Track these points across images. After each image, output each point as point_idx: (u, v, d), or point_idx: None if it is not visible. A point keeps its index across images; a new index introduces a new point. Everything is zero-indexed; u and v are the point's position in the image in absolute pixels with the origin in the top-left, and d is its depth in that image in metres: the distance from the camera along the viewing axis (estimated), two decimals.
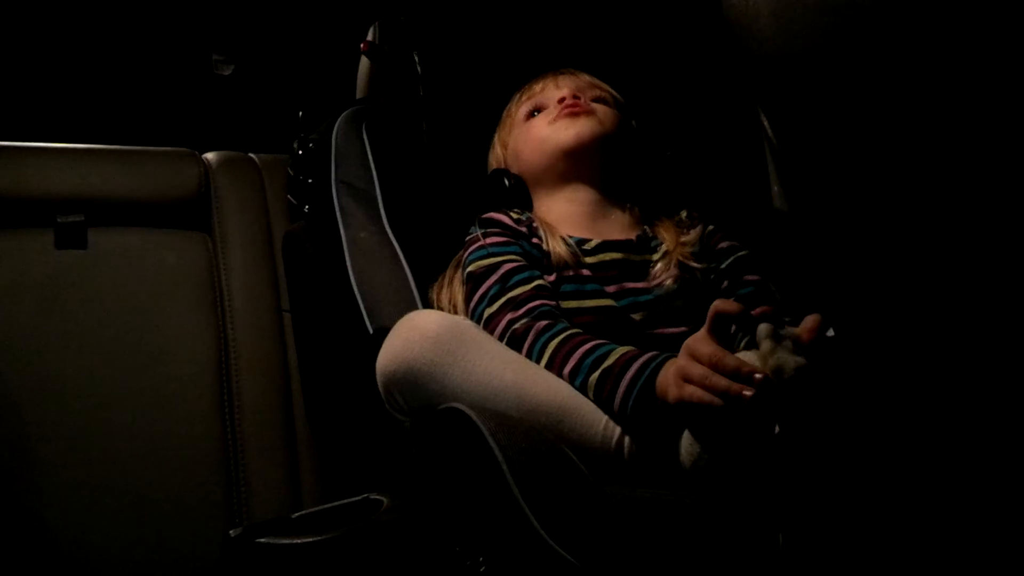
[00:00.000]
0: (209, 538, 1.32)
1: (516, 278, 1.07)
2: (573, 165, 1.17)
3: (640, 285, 1.11)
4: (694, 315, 1.09)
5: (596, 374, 0.93)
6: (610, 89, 1.25)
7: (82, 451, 1.34)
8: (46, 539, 1.28)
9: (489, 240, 1.11)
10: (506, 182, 1.21)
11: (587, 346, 0.95)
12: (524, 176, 1.21)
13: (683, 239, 1.15)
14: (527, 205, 1.20)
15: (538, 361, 0.97)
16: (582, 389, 0.94)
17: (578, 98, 1.19)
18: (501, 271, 1.07)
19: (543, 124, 1.19)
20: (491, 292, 1.06)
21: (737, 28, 0.55)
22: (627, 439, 0.91)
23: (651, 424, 0.89)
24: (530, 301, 1.04)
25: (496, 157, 1.27)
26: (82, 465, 1.33)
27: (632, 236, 1.16)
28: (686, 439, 0.87)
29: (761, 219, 1.28)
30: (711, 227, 1.18)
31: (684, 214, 1.20)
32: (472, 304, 1.08)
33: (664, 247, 1.14)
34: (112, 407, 1.37)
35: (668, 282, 1.11)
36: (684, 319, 1.09)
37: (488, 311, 1.05)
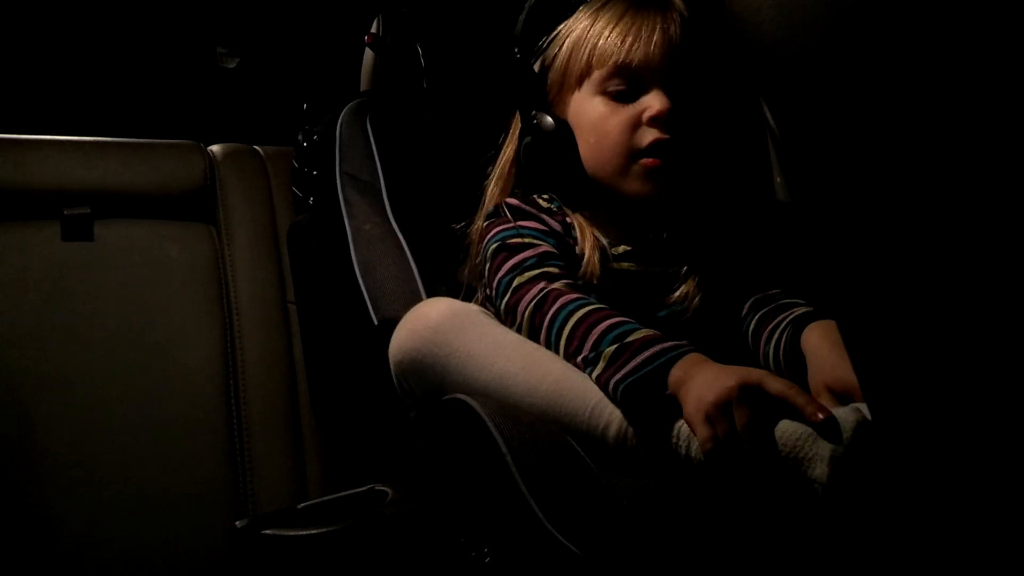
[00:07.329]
0: (215, 529, 1.33)
1: (553, 262, 1.02)
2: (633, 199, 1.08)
3: (659, 296, 1.07)
4: (707, 326, 1.06)
5: (613, 348, 0.88)
6: (706, 67, 1.07)
7: (87, 442, 1.34)
8: (51, 531, 1.28)
9: (527, 223, 1.05)
10: (550, 121, 1.06)
11: (611, 321, 0.91)
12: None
13: (708, 251, 1.10)
14: (569, 155, 1.07)
15: (561, 328, 0.93)
16: (596, 359, 0.89)
17: (669, 132, 1.03)
18: (540, 249, 1.02)
19: (618, 129, 1.04)
20: (527, 263, 1.01)
21: (739, 19, 0.55)
22: (614, 423, 0.87)
23: (647, 408, 0.86)
24: (565, 279, 1.00)
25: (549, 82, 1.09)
26: (87, 456, 1.33)
27: (657, 243, 1.10)
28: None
29: (764, 210, 1.27)
30: (730, 235, 1.13)
31: (711, 225, 1.13)
32: (501, 272, 1.01)
33: (687, 259, 1.09)
34: (117, 399, 1.38)
35: (689, 293, 1.06)
36: (698, 331, 1.04)
37: (519, 280, 1.00)
